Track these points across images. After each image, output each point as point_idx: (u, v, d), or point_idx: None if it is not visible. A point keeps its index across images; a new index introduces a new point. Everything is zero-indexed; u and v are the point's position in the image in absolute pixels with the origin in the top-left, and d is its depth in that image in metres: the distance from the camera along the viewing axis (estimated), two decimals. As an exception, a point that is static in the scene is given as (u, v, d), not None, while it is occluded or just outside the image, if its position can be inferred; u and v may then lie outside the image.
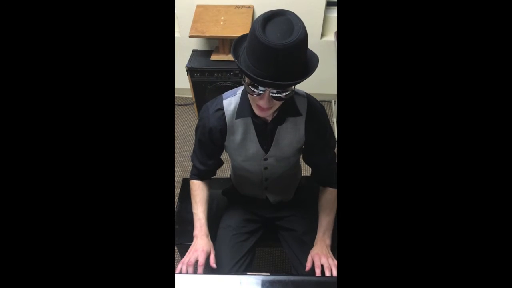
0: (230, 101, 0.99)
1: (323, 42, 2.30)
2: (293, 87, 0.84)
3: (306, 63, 0.81)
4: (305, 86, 1.04)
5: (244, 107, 0.96)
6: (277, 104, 0.86)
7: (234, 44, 0.85)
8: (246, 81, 0.83)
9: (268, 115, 0.90)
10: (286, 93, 0.82)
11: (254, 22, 0.75)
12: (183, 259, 0.99)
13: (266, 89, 0.80)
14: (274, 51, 0.72)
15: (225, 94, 1.01)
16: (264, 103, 0.83)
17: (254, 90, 0.82)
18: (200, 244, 1.02)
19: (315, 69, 0.81)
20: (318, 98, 1.05)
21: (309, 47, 0.80)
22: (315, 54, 0.85)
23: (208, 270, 0.99)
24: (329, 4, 2.22)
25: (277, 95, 0.81)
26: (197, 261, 0.98)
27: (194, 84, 2.21)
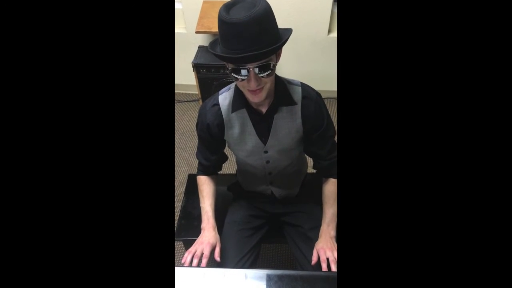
0: (225, 96, 1.01)
1: (330, 38, 2.29)
2: (274, 62, 0.85)
3: (278, 34, 0.83)
4: (311, 83, 1.04)
5: (238, 100, 0.98)
6: (267, 83, 0.87)
7: (211, 43, 0.88)
8: (228, 68, 0.85)
9: (262, 98, 0.90)
10: (268, 72, 0.83)
11: (219, 11, 0.79)
12: (190, 249, 1.00)
13: (249, 70, 0.82)
14: (240, 25, 0.75)
15: (221, 91, 1.03)
16: (253, 84, 0.84)
17: (238, 76, 0.84)
18: (207, 236, 1.03)
19: (288, 36, 0.83)
20: (324, 95, 1.05)
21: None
22: (288, 28, 0.87)
23: (212, 262, 1.00)
24: (336, 0, 2.21)
25: (261, 73, 0.83)
26: (202, 254, 0.98)
27: (200, 80, 2.21)
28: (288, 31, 0.86)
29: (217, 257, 1.01)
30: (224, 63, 0.87)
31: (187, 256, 0.97)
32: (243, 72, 0.82)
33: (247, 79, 0.84)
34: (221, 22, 0.78)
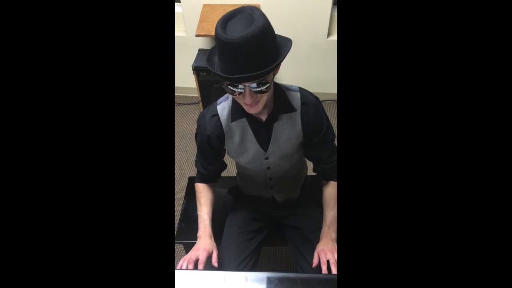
0: (224, 105, 1.00)
1: (329, 41, 2.29)
2: (271, 77, 0.84)
3: (277, 49, 0.82)
4: (311, 86, 1.05)
5: (237, 110, 0.97)
6: (263, 96, 0.86)
7: (208, 54, 0.87)
8: (224, 83, 0.84)
9: (259, 110, 0.90)
10: (266, 86, 0.82)
11: (215, 26, 0.77)
12: (185, 256, 1.00)
13: (244, 86, 0.81)
14: (237, 45, 0.73)
15: (218, 100, 1.03)
16: (248, 99, 0.84)
17: (234, 89, 0.83)
18: (203, 243, 1.03)
19: (287, 53, 0.82)
20: (324, 98, 1.06)
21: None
22: (288, 38, 0.85)
23: (209, 268, 0.99)
24: (335, 3, 2.21)
25: (257, 89, 0.82)
26: (198, 260, 0.98)
27: (200, 83, 2.22)
28: (288, 43, 0.84)
29: (214, 262, 1.00)
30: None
31: (182, 263, 0.97)
32: (240, 86, 0.82)
33: (243, 94, 0.83)
34: (217, 39, 0.76)
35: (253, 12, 0.77)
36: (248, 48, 0.74)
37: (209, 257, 1.01)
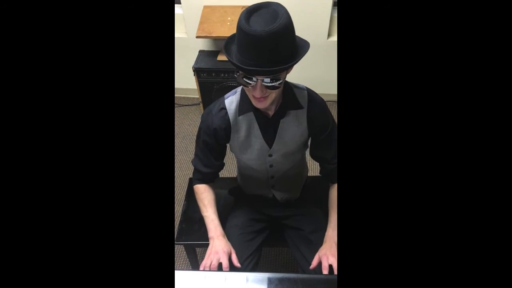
0: (232, 99, 1.01)
1: (330, 42, 2.30)
2: (284, 75, 0.85)
3: (295, 49, 0.83)
4: (311, 87, 1.05)
5: (245, 104, 0.98)
6: (272, 93, 0.87)
7: (226, 41, 0.88)
8: (238, 73, 0.85)
9: (266, 105, 0.91)
10: (279, 82, 0.84)
11: (239, 16, 0.78)
12: (204, 262, 0.98)
13: (257, 79, 0.82)
14: (258, 39, 0.74)
15: (226, 95, 1.04)
16: (258, 93, 0.85)
17: (248, 81, 0.84)
18: (219, 245, 1.02)
19: (304, 54, 0.83)
20: (324, 99, 1.06)
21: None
22: (306, 41, 0.86)
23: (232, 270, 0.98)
24: (336, 4, 2.22)
25: (269, 84, 0.83)
26: (220, 264, 0.97)
27: (201, 84, 2.22)
28: (306, 45, 0.85)
29: (237, 263, 1.00)
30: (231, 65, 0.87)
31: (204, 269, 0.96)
32: (253, 79, 0.83)
33: (254, 87, 0.84)
34: (240, 29, 0.77)
35: (278, 9, 0.78)
36: (269, 43, 0.75)
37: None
